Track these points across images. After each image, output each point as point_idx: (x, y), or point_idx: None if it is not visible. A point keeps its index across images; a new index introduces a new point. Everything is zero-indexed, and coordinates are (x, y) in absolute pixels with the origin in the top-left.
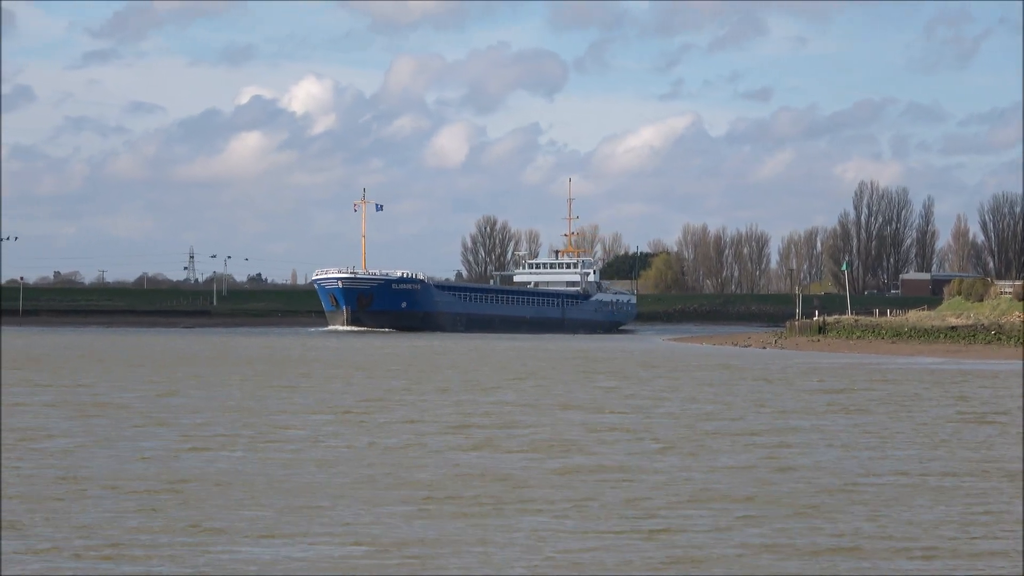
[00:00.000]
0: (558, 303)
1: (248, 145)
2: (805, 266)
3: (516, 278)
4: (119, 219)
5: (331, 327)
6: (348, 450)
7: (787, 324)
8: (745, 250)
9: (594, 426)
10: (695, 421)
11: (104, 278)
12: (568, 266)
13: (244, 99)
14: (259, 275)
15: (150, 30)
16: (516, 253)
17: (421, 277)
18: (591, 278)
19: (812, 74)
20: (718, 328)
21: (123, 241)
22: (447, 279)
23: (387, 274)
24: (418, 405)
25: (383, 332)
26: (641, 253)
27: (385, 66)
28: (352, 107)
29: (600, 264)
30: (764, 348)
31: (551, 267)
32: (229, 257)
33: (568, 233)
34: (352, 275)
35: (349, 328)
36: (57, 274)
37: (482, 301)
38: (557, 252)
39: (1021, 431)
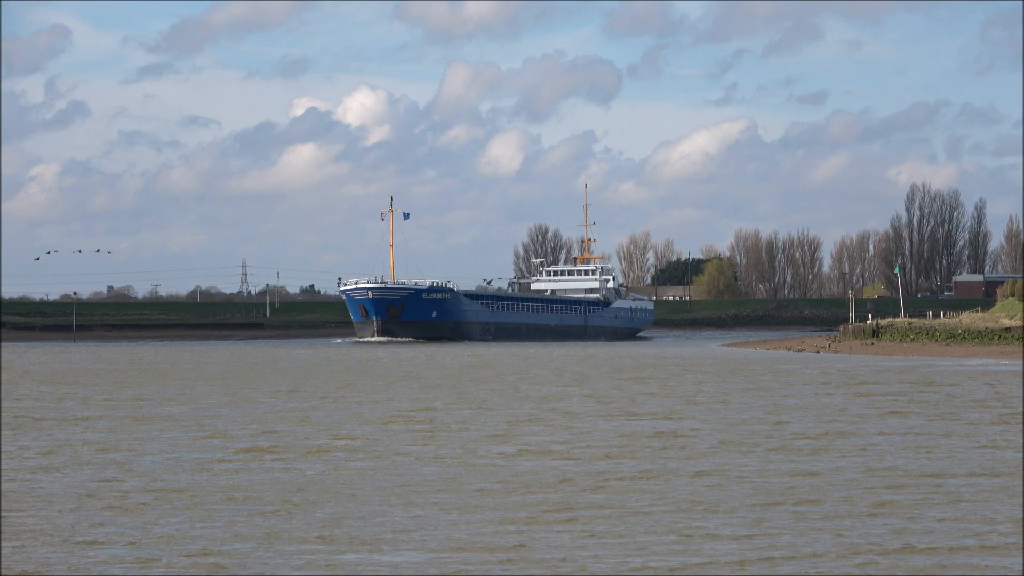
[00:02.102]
0: (581, 310)
1: (302, 157)
2: (858, 269)
3: (534, 286)
4: (173, 233)
5: (360, 338)
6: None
7: (840, 328)
8: (797, 254)
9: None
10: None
11: (157, 292)
12: (587, 273)
13: (299, 111)
14: (312, 286)
15: (205, 44)
16: (533, 260)
17: (451, 286)
18: (610, 284)
19: (866, 77)
20: (771, 333)
21: (177, 255)
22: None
23: (417, 283)
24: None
25: (417, 343)
26: (693, 259)
27: (439, 76)
28: (406, 117)
29: (652, 270)
30: (818, 352)
31: (569, 274)
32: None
33: (585, 239)
34: (382, 285)
35: (380, 339)
36: (110, 288)
37: (510, 310)
38: (575, 259)
39: None
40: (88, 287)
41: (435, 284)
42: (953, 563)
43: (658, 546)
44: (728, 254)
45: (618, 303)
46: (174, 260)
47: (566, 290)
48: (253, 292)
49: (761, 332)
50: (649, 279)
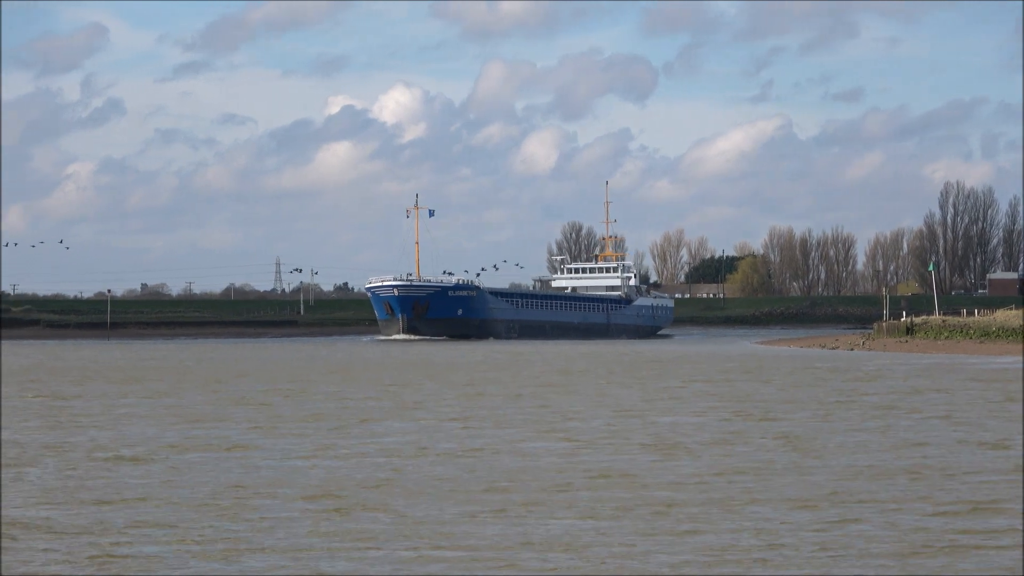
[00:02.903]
0: (603, 308)
1: (337, 155)
2: (892, 267)
3: (555, 283)
4: (208, 231)
5: (386, 336)
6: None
7: (875, 325)
8: (831, 252)
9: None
10: None
11: (191, 289)
12: (608, 270)
13: (334, 109)
14: (345, 284)
15: (242, 42)
16: (554, 258)
17: (477, 284)
18: (632, 282)
19: (902, 75)
20: (805, 331)
21: (211, 252)
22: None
23: (443, 281)
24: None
25: (443, 340)
26: (727, 256)
27: (475, 74)
28: (441, 115)
29: (686, 268)
30: (852, 350)
31: (590, 271)
32: (316, 273)
33: (606, 237)
34: (407, 282)
35: (405, 337)
36: (144, 286)
37: (534, 307)
38: (596, 256)
39: None
40: (123, 285)
41: (462, 281)
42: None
43: (710, 543)
44: (762, 252)
45: (640, 300)
46: (209, 258)
47: (587, 287)
48: (287, 290)
49: (795, 330)
50: (683, 277)
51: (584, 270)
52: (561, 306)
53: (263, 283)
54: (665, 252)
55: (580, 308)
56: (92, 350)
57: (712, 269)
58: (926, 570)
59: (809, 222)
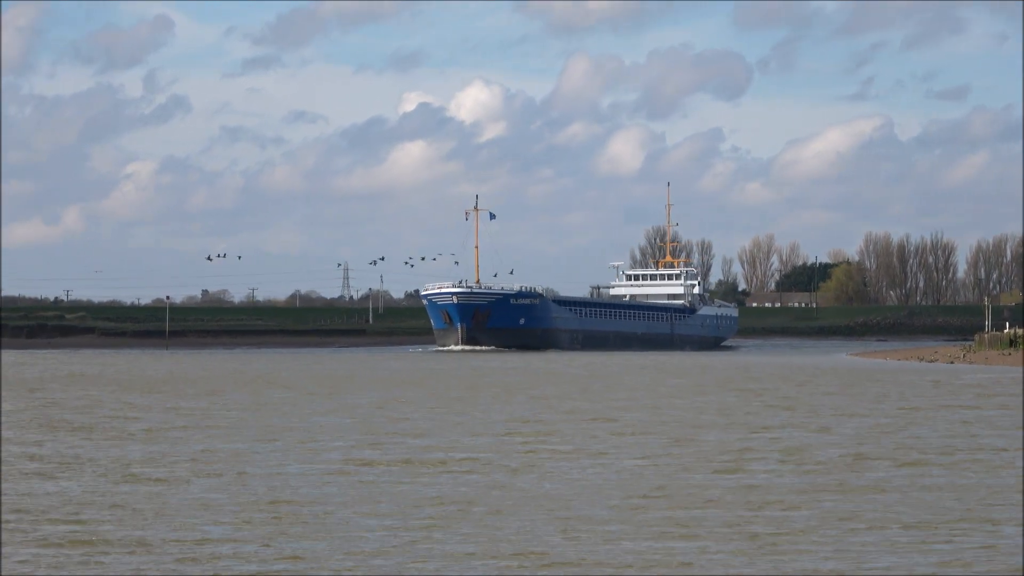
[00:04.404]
0: (667, 318)
1: (411, 155)
2: (995, 275)
3: (613, 291)
4: (273, 234)
5: (442, 346)
6: None
7: (976, 337)
8: (930, 259)
9: None
10: None
11: (255, 296)
12: (671, 277)
13: (409, 107)
14: (416, 291)
15: (313, 36)
16: (611, 264)
17: (540, 291)
18: (696, 290)
19: (1010, 72)
20: (901, 343)
21: (277, 257)
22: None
23: (505, 288)
24: None
25: (505, 351)
26: (820, 263)
27: (557, 71)
28: (522, 113)
29: (776, 275)
30: (952, 363)
31: (651, 278)
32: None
33: (667, 242)
34: (467, 289)
35: (465, 348)
36: (205, 292)
37: (597, 317)
38: (657, 262)
39: None
40: (182, 291)
41: (524, 289)
42: None
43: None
44: (857, 259)
45: (704, 310)
46: (274, 262)
47: (647, 295)
48: (355, 296)
49: (891, 342)
50: (773, 284)
51: (644, 277)
52: (625, 315)
53: (330, 289)
54: (755, 258)
55: (644, 317)
56: (144, 359)
57: (804, 277)
58: None
59: (907, 227)
